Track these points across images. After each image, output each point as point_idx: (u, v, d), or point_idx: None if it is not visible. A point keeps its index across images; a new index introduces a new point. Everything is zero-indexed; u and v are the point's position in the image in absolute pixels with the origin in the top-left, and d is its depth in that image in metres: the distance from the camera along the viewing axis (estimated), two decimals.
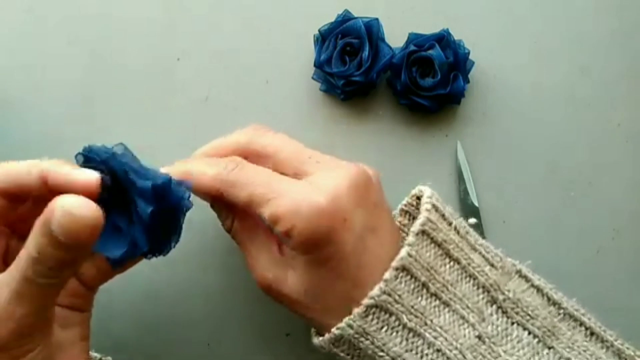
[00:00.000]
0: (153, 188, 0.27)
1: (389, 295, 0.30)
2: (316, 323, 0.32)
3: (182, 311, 0.40)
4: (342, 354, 0.31)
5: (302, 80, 0.41)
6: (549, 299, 0.33)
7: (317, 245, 0.29)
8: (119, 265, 0.29)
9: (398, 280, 0.30)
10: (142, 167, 0.28)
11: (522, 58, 0.41)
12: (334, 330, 0.30)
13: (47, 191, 0.27)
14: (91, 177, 0.26)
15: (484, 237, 0.39)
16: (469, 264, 0.32)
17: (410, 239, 0.31)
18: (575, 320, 0.33)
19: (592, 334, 0.33)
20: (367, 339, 0.30)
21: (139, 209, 0.27)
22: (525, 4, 0.42)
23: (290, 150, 0.33)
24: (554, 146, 0.41)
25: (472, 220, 0.40)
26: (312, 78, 0.40)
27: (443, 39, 0.39)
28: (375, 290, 0.30)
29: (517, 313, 0.32)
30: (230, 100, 0.41)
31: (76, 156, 0.29)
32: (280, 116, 0.41)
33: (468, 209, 0.40)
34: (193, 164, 0.32)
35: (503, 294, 0.32)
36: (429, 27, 0.40)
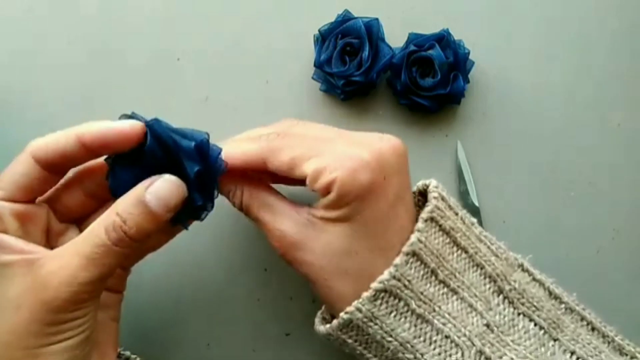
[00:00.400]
0: (196, 147, 0.29)
1: (399, 280, 0.30)
2: (331, 292, 0.31)
3: (182, 311, 0.40)
4: (350, 340, 0.31)
5: (302, 80, 0.41)
6: (550, 293, 0.33)
7: (356, 198, 0.29)
8: (178, 223, 0.31)
9: (408, 265, 0.30)
10: (180, 129, 0.30)
11: (522, 58, 0.41)
12: (342, 315, 0.30)
13: (86, 153, 0.29)
14: (127, 124, 0.29)
15: None
16: (475, 253, 0.33)
17: (420, 225, 0.31)
18: (577, 314, 0.33)
19: (593, 329, 0.33)
20: (375, 324, 0.30)
21: (187, 168, 0.29)
22: (525, 4, 0.42)
23: (327, 129, 0.33)
24: (554, 146, 0.41)
25: (472, 220, 0.39)
26: (312, 78, 0.40)
27: (443, 39, 0.39)
28: (385, 275, 0.30)
29: (522, 304, 0.32)
30: (230, 100, 0.41)
31: (120, 117, 0.29)
32: (280, 116, 0.40)
33: (468, 209, 0.39)
34: (232, 143, 0.33)
35: (509, 284, 0.32)
36: (429, 27, 0.40)
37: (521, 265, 0.34)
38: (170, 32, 0.42)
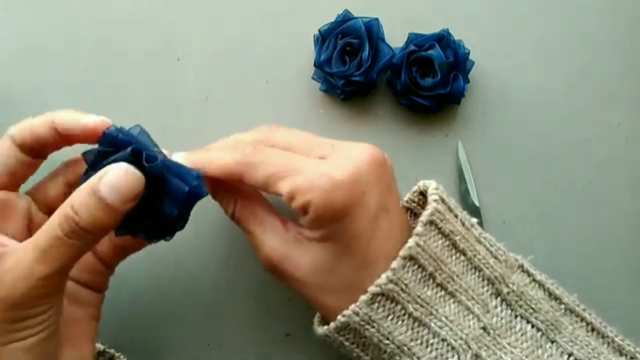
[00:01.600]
0: (188, 192, 0.29)
1: (396, 284, 0.30)
2: (319, 305, 0.32)
3: (182, 311, 0.40)
4: (347, 343, 0.31)
5: (302, 80, 0.41)
6: (550, 294, 0.33)
7: (333, 219, 0.29)
8: (152, 238, 0.30)
9: (405, 269, 0.30)
10: (174, 164, 0.30)
11: (522, 58, 0.41)
12: (339, 317, 0.30)
13: (60, 140, 0.30)
14: (92, 121, 0.29)
15: None
16: (474, 256, 0.32)
17: (419, 228, 0.31)
18: (577, 315, 0.33)
19: (592, 329, 0.33)
20: (372, 327, 0.30)
21: (167, 206, 0.29)
22: (526, 4, 0.42)
23: (303, 140, 0.33)
24: (554, 146, 0.41)
25: (473, 220, 0.39)
26: (312, 78, 0.40)
27: (443, 39, 0.39)
28: (382, 279, 0.30)
29: (520, 306, 0.32)
30: (230, 100, 0.41)
31: (105, 131, 0.29)
32: (280, 116, 0.41)
33: (468, 209, 0.39)
34: (210, 153, 0.33)
35: (507, 286, 0.32)
36: (429, 27, 0.40)
37: (521, 267, 0.34)
38: (170, 32, 0.42)
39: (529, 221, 0.40)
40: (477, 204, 0.40)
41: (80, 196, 0.26)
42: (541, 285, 0.34)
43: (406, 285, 0.30)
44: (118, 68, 0.41)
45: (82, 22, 0.42)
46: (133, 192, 0.27)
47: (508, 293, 0.32)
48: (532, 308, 0.32)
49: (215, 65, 0.41)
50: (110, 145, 0.28)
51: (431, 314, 0.31)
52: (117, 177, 0.27)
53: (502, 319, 0.32)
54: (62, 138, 0.30)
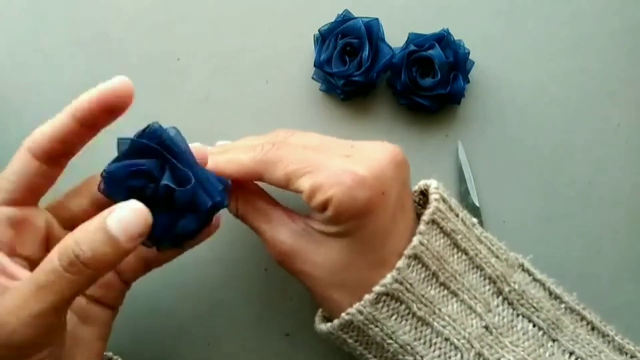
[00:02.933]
0: (210, 207, 0.28)
1: (401, 283, 0.30)
2: (327, 300, 0.31)
3: (182, 311, 0.40)
4: (350, 340, 0.31)
5: (302, 80, 0.41)
6: (550, 293, 0.33)
7: (354, 216, 0.29)
8: (177, 246, 0.29)
9: (410, 269, 0.30)
10: (203, 177, 0.28)
11: (522, 58, 0.41)
12: (343, 315, 0.30)
13: (84, 130, 0.28)
14: (117, 80, 0.29)
15: None
16: (476, 255, 0.33)
17: (422, 227, 0.31)
18: (577, 314, 0.33)
19: (593, 328, 0.33)
20: (376, 326, 0.30)
21: (188, 218, 0.28)
22: (525, 4, 0.42)
23: (322, 141, 0.32)
24: (554, 146, 0.41)
25: (474, 220, 0.39)
26: (312, 78, 0.40)
27: (443, 39, 0.39)
28: (388, 278, 0.30)
29: (522, 305, 0.32)
30: (230, 100, 0.41)
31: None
32: (280, 116, 0.41)
33: (468, 209, 0.39)
34: (227, 152, 0.32)
35: (509, 285, 0.32)
36: (429, 27, 0.40)
37: (521, 266, 0.34)
38: (170, 32, 0.42)
39: (529, 221, 0.40)
40: (477, 204, 0.40)
41: (86, 230, 0.25)
42: (542, 284, 0.34)
43: (411, 284, 0.30)
44: (118, 68, 0.41)
45: (82, 22, 0.42)
46: (140, 232, 0.25)
47: (509, 292, 0.32)
48: (534, 307, 0.32)
49: (215, 65, 0.41)
50: (151, 139, 0.28)
51: (434, 313, 0.31)
52: (127, 215, 0.25)
53: (503, 317, 0.32)
54: (86, 126, 0.28)
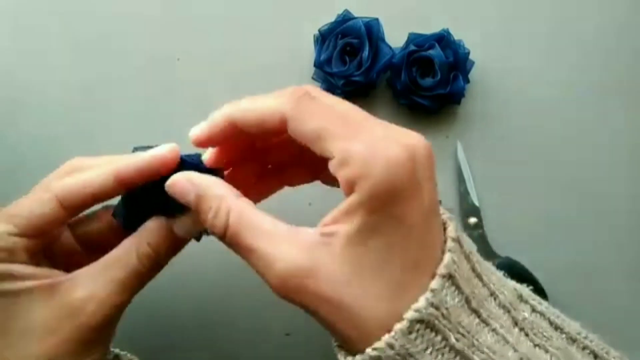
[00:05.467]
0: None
1: (437, 308, 0.24)
2: (350, 326, 0.25)
3: (182, 311, 0.40)
4: None
5: (302, 80, 0.41)
6: (550, 323, 0.30)
7: (388, 203, 0.23)
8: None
9: (444, 291, 0.25)
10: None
11: (522, 58, 0.41)
12: (369, 351, 0.24)
13: (120, 188, 0.29)
14: (166, 150, 0.29)
15: (484, 237, 0.39)
16: (489, 281, 0.28)
17: (450, 244, 0.25)
18: (580, 343, 0.31)
19: (596, 357, 0.31)
20: None
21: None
22: (526, 4, 0.42)
23: (350, 107, 0.26)
24: (554, 146, 0.41)
25: (472, 220, 0.40)
26: (312, 78, 0.40)
27: (443, 39, 0.39)
28: (422, 302, 0.24)
29: (535, 335, 0.28)
30: (230, 100, 0.41)
31: (134, 150, 0.30)
32: None
33: (468, 209, 0.40)
34: (249, 100, 0.27)
35: (520, 314, 0.28)
36: (429, 27, 0.40)
37: (520, 296, 0.30)
38: (170, 32, 0.42)
39: (529, 221, 0.40)
40: (477, 204, 0.40)
41: (156, 234, 0.29)
42: (542, 314, 0.30)
43: (447, 309, 0.25)
44: (118, 68, 0.41)
45: (83, 22, 0.42)
46: (197, 229, 0.30)
47: (523, 320, 0.28)
48: (545, 336, 0.28)
49: (215, 66, 0.41)
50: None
51: (473, 345, 0.25)
52: (186, 220, 0.29)
53: (527, 349, 0.27)
54: (124, 186, 0.29)
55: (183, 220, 0.29)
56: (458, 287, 0.25)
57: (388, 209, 0.24)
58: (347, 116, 0.25)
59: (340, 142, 0.24)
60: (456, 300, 0.25)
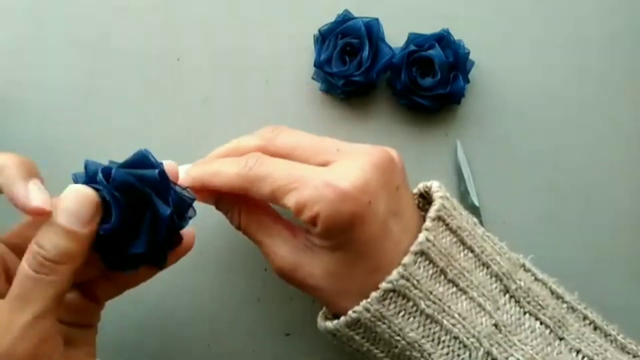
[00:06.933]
0: (170, 214, 0.28)
1: (407, 280, 0.30)
2: (332, 306, 0.32)
3: (182, 311, 0.40)
4: (357, 337, 0.31)
5: (302, 80, 0.41)
6: (552, 292, 0.33)
7: (342, 230, 0.29)
8: (135, 267, 0.29)
9: (417, 265, 0.30)
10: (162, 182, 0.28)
11: (522, 58, 0.41)
12: (350, 313, 0.30)
13: None
14: (35, 200, 0.26)
15: None
16: (482, 252, 0.32)
17: (427, 223, 0.31)
18: (580, 313, 0.33)
19: (595, 328, 0.33)
20: (383, 323, 0.30)
21: (160, 209, 0.28)
22: (526, 4, 0.42)
23: (308, 144, 0.32)
24: (554, 146, 0.41)
25: (474, 219, 0.39)
26: (312, 78, 0.40)
27: (443, 39, 0.39)
28: (394, 275, 0.29)
29: (528, 302, 0.32)
30: (230, 100, 0.41)
31: (73, 176, 0.29)
32: (280, 116, 0.41)
33: (468, 209, 0.39)
34: (213, 165, 0.33)
35: (515, 282, 0.32)
36: (429, 27, 0.40)
37: (523, 265, 0.34)
38: (170, 32, 0.42)
39: (529, 221, 0.40)
40: (477, 204, 0.40)
41: (42, 230, 0.26)
42: (543, 283, 0.33)
43: (418, 281, 0.30)
44: (118, 68, 0.41)
45: (82, 22, 0.42)
46: (91, 213, 0.26)
47: (516, 289, 0.32)
48: (540, 305, 0.32)
49: (215, 66, 0.41)
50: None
51: (444, 310, 0.30)
52: (71, 201, 0.26)
53: (511, 316, 0.31)
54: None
55: (65, 204, 0.26)
56: (432, 261, 0.31)
57: (342, 234, 0.30)
58: (290, 171, 0.30)
59: (291, 196, 0.30)
60: (429, 272, 0.30)
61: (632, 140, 0.41)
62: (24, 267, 0.26)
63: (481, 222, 0.40)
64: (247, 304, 0.40)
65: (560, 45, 0.41)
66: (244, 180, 0.31)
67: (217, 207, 0.34)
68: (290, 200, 0.30)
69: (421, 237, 0.30)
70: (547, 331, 0.31)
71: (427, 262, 0.30)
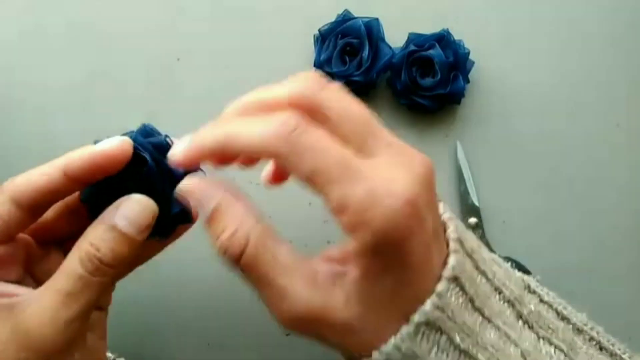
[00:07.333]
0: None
1: (442, 310, 0.25)
2: (355, 347, 0.25)
3: (182, 311, 0.40)
4: None
5: None
6: (557, 314, 0.31)
7: (391, 247, 0.23)
8: (174, 229, 0.30)
9: (449, 293, 0.25)
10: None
11: (522, 58, 0.41)
12: (375, 354, 0.24)
13: (73, 185, 0.27)
14: (115, 144, 0.27)
15: (484, 237, 0.39)
16: (494, 277, 0.28)
17: (453, 245, 0.26)
18: (586, 334, 0.31)
19: (601, 348, 0.31)
20: None
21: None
22: (526, 5, 0.42)
23: (357, 120, 0.25)
24: (554, 146, 0.41)
25: (472, 220, 0.40)
26: None
27: (443, 39, 0.39)
28: (427, 305, 0.24)
29: (540, 327, 0.29)
30: (230, 100, 0.41)
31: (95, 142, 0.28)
32: None
33: (468, 209, 0.40)
34: (231, 124, 0.26)
35: (526, 307, 0.29)
36: (429, 27, 0.40)
37: (528, 287, 0.31)
38: (170, 32, 0.42)
39: (529, 221, 0.40)
40: (477, 204, 0.40)
41: (98, 232, 0.26)
42: (549, 305, 0.31)
43: (452, 311, 0.25)
44: (118, 68, 0.41)
45: (82, 22, 0.42)
46: (148, 222, 0.27)
47: (528, 314, 0.29)
48: (550, 328, 0.29)
49: (215, 65, 0.41)
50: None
51: (477, 343, 0.26)
52: (133, 210, 0.26)
53: (529, 343, 0.28)
54: (76, 182, 0.26)
55: (127, 210, 0.26)
56: (462, 288, 0.25)
57: (392, 251, 0.24)
58: (344, 159, 0.23)
59: (336, 188, 0.23)
60: (460, 300, 0.25)
61: (632, 139, 0.41)
62: (77, 267, 0.25)
63: (481, 222, 0.40)
64: (247, 304, 0.40)
65: (560, 45, 0.42)
66: (283, 142, 0.23)
67: (211, 220, 0.26)
68: (334, 192, 0.23)
69: (452, 260, 0.25)
70: (562, 355, 0.29)
71: (458, 288, 0.25)
